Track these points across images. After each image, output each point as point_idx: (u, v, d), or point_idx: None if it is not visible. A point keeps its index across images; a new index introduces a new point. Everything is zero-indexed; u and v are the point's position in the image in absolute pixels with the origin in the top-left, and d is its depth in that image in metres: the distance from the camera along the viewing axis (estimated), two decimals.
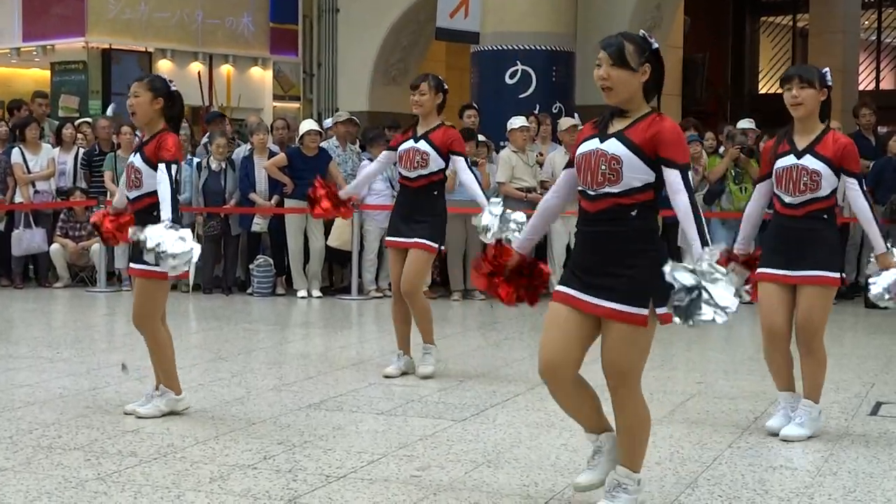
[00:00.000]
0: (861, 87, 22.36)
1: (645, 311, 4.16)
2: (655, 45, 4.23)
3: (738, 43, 23.47)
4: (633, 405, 4.27)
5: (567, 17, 14.86)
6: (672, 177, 4.12)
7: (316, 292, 11.95)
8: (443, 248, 7.52)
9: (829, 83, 5.72)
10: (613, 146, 4.19)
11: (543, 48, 14.45)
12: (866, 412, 6.51)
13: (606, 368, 4.24)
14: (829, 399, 6.74)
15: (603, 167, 4.18)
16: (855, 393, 7.03)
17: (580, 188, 4.32)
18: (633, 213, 4.17)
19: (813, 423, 5.83)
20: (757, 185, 5.99)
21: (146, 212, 6.00)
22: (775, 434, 5.80)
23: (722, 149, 12.18)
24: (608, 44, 4.20)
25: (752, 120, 12.84)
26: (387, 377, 7.31)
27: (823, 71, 5.74)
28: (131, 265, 6.18)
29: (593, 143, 4.25)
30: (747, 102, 22.52)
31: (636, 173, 4.16)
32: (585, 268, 4.26)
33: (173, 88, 6.12)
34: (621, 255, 4.17)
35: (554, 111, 13.93)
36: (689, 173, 4.15)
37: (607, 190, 4.18)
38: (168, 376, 6.18)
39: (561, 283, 4.35)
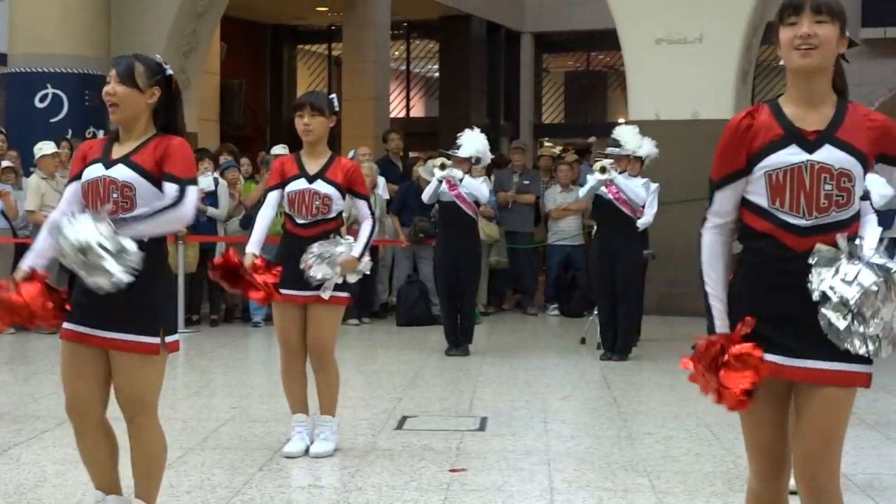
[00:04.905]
0: (393, 115, 23.41)
1: (156, 340, 4.14)
2: (169, 72, 4.25)
3: (277, 70, 23.88)
4: (152, 433, 4.23)
5: (99, 40, 14.48)
6: (168, 189, 4.11)
7: None
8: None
9: (336, 109, 6.04)
10: (123, 173, 4.14)
11: (75, 71, 14.02)
12: (393, 427, 6.81)
13: (123, 400, 4.18)
14: (359, 416, 7.02)
15: (115, 195, 4.11)
16: (383, 409, 7.34)
17: None
18: (144, 241, 4.10)
19: (335, 435, 6.09)
20: (269, 194, 6.11)
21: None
22: (295, 457, 5.91)
23: (259, 175, 12.34)
24: (118, 62, 4.24)
25: (286, 146, 13.09)
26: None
27: (331, 97, 6.05)
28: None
29: (98, 170, 4.17)
30: (286, 128, 22.94)
31: (153, 199, 4.12)
32: (90, 299, 4.09)
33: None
34: (131, 284, 4.08)
35: (88, 135, 13.54)
36: (193, 189, 4.12)
37: (121, 216, 4.09)
38: None
39: (68, 320, 4.21)
